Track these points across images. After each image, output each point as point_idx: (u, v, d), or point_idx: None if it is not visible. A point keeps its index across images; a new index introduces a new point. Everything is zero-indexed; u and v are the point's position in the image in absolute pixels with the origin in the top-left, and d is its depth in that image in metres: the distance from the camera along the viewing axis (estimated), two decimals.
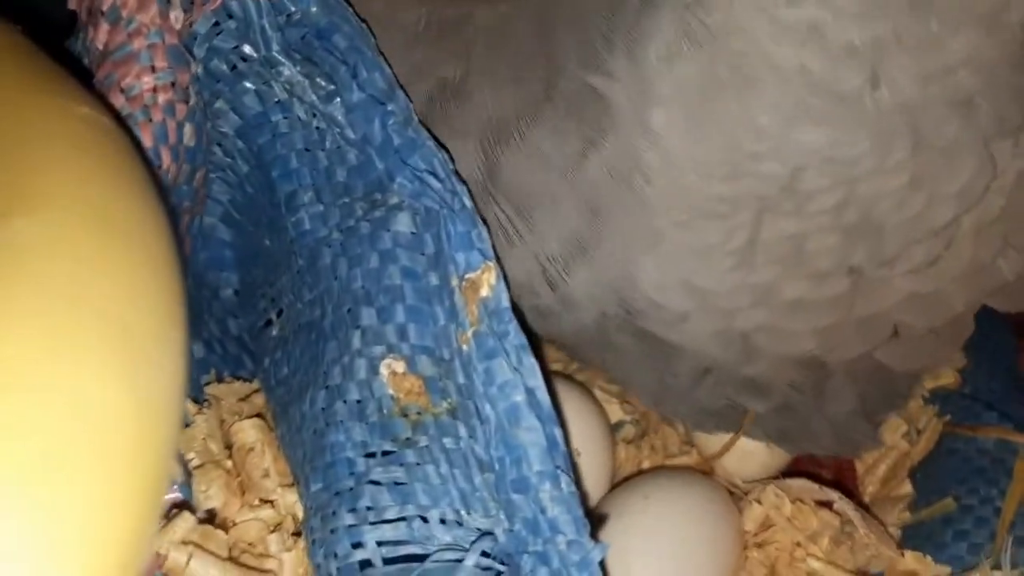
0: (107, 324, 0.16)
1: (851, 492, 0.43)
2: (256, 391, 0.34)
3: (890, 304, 0.31)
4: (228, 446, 0.32)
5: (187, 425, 0.32)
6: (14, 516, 0.15)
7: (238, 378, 0.35)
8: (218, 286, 0.37)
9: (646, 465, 0.41)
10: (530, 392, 0.27)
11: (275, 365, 0.32)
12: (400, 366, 0.28)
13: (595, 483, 0.38)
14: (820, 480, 0.39)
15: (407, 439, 0.27)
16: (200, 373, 0.35)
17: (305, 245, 0.32)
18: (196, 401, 0.33)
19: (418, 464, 0.27)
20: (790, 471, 0.41)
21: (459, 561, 0.25)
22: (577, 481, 0.26)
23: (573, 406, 0.39)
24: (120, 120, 0.26)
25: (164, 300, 0.17)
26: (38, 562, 0.14)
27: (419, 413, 0.28)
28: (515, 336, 0.28)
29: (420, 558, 0.25)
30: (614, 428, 0.42)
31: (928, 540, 0.38)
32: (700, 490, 0.37)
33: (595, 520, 0.28)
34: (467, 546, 0.25)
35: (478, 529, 0.26)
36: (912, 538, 0.39)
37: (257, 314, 0.35)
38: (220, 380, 0.35)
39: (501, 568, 0.25)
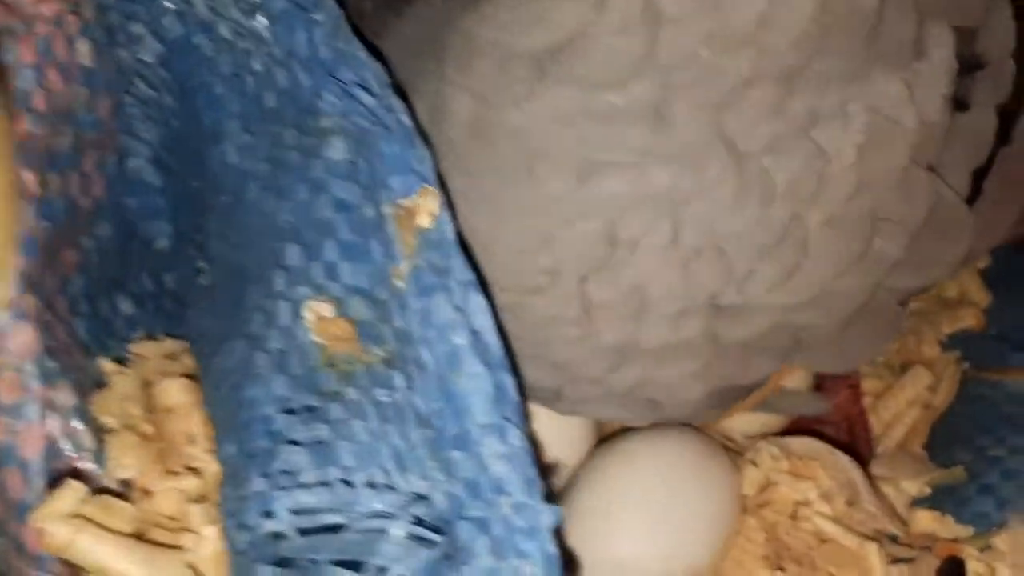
0: None
1: (866, 449, 0.39)
2: (187, 349, 0.31)
3: (768, 323, 0.29)
4: (152, 409, 0.28)
5: (104, 386, 0.28)
6: None
7: (173, 337, 0.32)
8: (151, 237, 0.33)
9: None
10: (475, 334, 0.23)
11: (199, 316, 0.29)
12: (327, 309, 0.25)
13: (576, 444, 0.34)
14: (830, 440, 0.35)
15: (334, 392, 0.24)
16: (129, 331, 0.31)
17: (231, 181, 0.29)
18: (119, 361, 0.29)
19: (344, 421, 0.23)
20: (795, 429, 0.37)
21: (384, 531, 0.21)
22: (531, 436, 0.23)
23: None
24: None
25: None
26: None
27: (348, 363, 0.24)
28: (461, 272, 0.24)
29: (344, 528, 0.22)
30: None
31: (950, 496, 0.34)
32: (690, 446, 0.33)
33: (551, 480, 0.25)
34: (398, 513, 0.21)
35: (413, 493, 0.22)
36: (933, 494, 0.34)
37: (188, 263, 0.31)
38: (152, 339, 0.31)
39: (435, 538, 0.21)
